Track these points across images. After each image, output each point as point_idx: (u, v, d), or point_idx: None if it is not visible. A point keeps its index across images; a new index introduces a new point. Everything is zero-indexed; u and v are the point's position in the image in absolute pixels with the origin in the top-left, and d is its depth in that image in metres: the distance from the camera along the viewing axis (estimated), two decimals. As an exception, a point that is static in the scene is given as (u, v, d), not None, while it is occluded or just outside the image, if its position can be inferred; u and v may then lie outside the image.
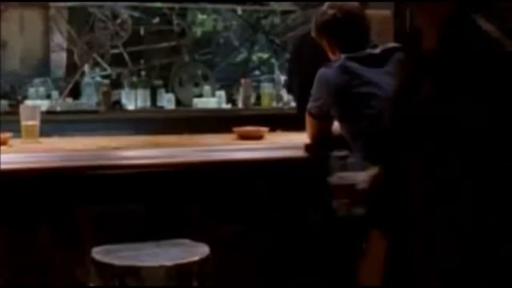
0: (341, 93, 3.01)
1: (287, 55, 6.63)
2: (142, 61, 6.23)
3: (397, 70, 2.12)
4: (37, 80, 5.78)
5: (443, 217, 1.66)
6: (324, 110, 3.09)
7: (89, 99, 5.75)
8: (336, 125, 3.18)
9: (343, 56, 3.08)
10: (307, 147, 3.28)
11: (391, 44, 3.11)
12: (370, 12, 6.09)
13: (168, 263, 2.64)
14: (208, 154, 3.34)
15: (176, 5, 6.26)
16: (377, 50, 3.05)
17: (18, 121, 3.62)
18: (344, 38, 3.10)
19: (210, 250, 2.77)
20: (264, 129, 3.78)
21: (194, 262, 2.68)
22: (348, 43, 3.09)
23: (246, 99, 6.00)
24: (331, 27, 3.10)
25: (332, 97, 3.03)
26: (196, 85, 6.17)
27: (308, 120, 3.25)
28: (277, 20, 6.61)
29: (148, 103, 5.84)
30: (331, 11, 3.08)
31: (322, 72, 3.14)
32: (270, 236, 3.34)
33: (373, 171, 2.21)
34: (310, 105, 3.19)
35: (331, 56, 3.17)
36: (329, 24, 3.10)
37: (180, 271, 2.64)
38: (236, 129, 3.75)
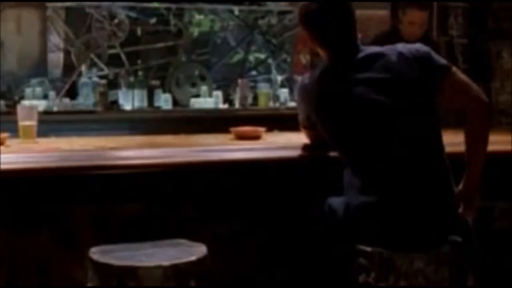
0: (319, 109, 2.94)
1: (284, 55, 6.66)
2: (139, 61, 6.24)
3: None
4: (34, 81, 5.79)
5: None
6: (312, 119, 3.04)
7: (86, 99, 5.76)
8: None
9: (320, 67, 3.00)
10: (304, 147, 3.28)
11: (376, 49, 2.94)
12: (368, 12, 6.12)
13: (166, 263, 2.64)
14: (205, 154, 3.34)
15: (173, 6, 6.27)
16: (360, 54, 2.90)
17: (15, 121, 3.62)
18: (322, 32, 2.94)
19: (208, 250, 2.77)
20: (261, 129, 3.78)
21: (192, 262, 2.68)
22: (328, 38, 2.94)
23: (243, 99, 6.01)
24: (309, 18, 2.95)
25: (312, 110, 2.99)
26: (193, 85, 6.18)
27: (303, 131, 3.24)
28: (274, 20, 6.62)
29: (145, 103, 5.85)
30: (312, 4, 2.94)
31: (301, 85, 3.07)
32: (267, 236, 3.34)
33: None
34: (299, 117, 3.16)
35: (318, 50, 3.05)
36: (307, 15, 2.96)
37: (178, 271, 2.64)
38: (233, 129, 3.75)
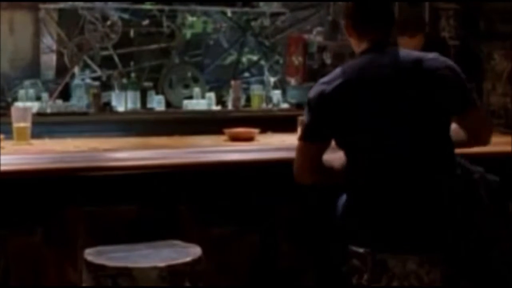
0: (341, 100, 2.78)
1: (276, 57, 6.67)
2: (132, 63, 6.24)
3: None
4: (27, 82, 5.79)
5: None
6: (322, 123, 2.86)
7: (79, 101, 5.76)
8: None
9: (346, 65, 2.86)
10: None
11: (426, 56, 2.80)
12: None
13: (161, 264, 2.65)
14: (199, 156, 3.35)
15: (166, 7, 6.28)
16: (397, 57, 2.78)
17: (9, 123, 3.62)
18: (356, 19, 2.84)
19: (202, 251, 2.79)
20: (254, 130, 3.79)
21: (186, 263, 2.69)
22: (360, 26, 2.84)
23: (236, 100, 6.02)
24: (348, 4, 2.89)
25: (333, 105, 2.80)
26: (186, 86, 6.19)
27: (300, 151, 2.95)
28: (266, 22, 6.63)
29: (138, 105, 5.85)
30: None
31: (320, 92, 2.81)
32: (261, 237, 3.36)
33: None
34: (301, 128, 2.98)
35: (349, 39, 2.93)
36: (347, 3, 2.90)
37: (173, 272, 2.65)
38: (227, 130, 3.76)
